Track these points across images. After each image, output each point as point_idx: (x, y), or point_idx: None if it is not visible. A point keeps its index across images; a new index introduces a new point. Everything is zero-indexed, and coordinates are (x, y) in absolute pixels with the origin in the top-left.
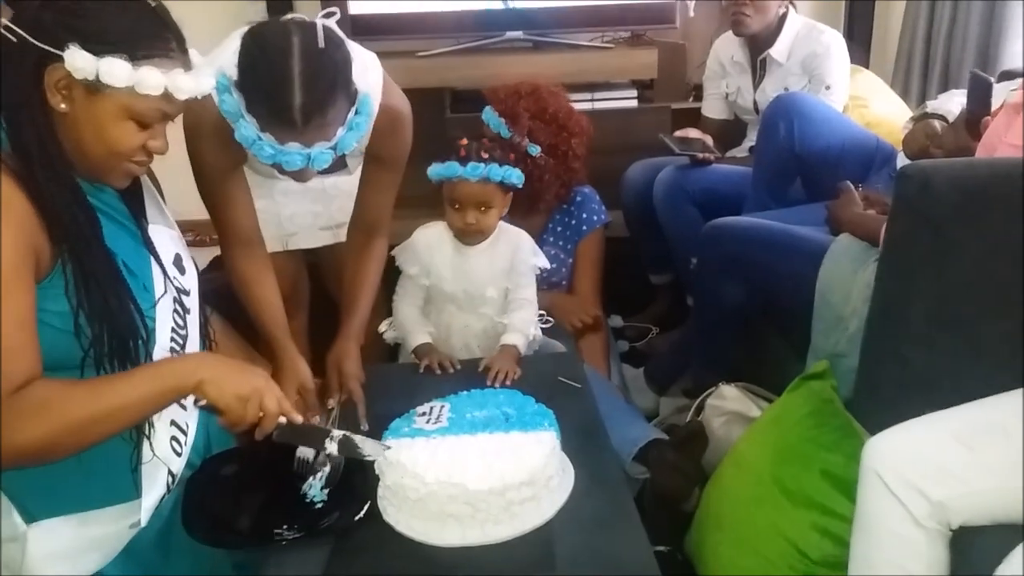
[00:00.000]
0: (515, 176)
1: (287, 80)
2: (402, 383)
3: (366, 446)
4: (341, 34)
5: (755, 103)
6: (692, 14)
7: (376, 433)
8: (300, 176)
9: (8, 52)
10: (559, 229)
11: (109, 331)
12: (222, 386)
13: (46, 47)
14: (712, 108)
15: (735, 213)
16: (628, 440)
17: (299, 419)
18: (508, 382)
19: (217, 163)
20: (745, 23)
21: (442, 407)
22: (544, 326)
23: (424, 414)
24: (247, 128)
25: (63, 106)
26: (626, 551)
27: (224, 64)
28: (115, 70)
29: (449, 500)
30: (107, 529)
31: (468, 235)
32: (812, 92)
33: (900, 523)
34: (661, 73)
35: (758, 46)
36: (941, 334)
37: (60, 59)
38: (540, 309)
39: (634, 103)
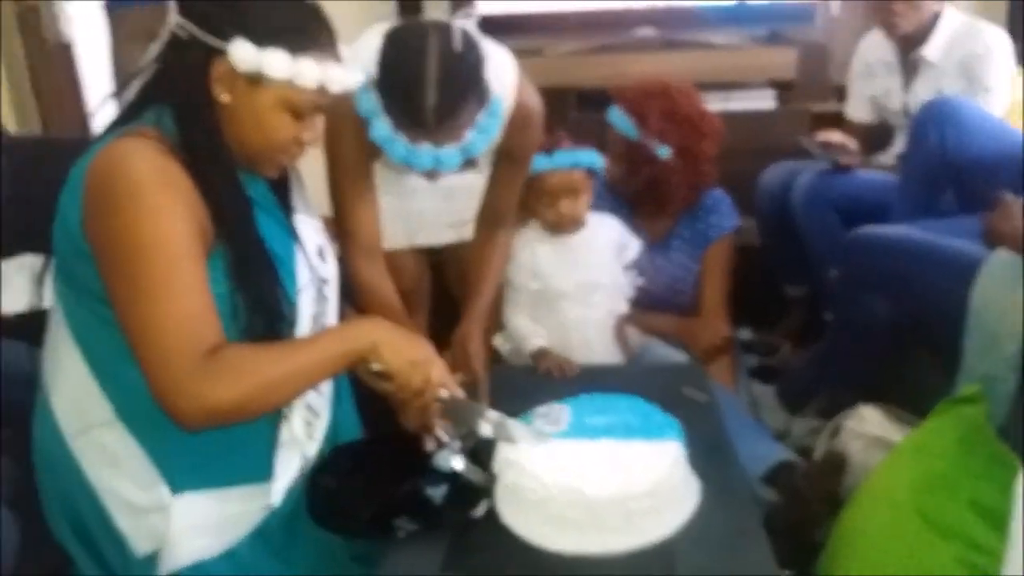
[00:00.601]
0: (598, 159)
1: (422, 82)
2: (521, 385)
3: (518, 431)
4: (477, 36)
5: (905, 106)
6: (835, 13)
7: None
8: (430, 174)
9: (178, 46)
10: (686, 235)
11: (261, 314)
12: (397, 349)
13: (213, 41)
14: (857, 111)
15: (879, 222)
16: (757, 458)
17: (461, 393)
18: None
19: (353, 159)
20: (896, 22)
21: (562, 410)
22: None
23: (544, 416)
24: (382, 127)
25: (226, 98)
26: (751, 573)
27: (364, 64)
28: (276, 62)
29: (568, 505)
30: (242, 507)
31: (563, 226)
32: (969, 96)
33: None
34: (801, 74)
35: (909, 45)
36: None
37: (225, 53)
38: (666, 335)
39: (771, 104)
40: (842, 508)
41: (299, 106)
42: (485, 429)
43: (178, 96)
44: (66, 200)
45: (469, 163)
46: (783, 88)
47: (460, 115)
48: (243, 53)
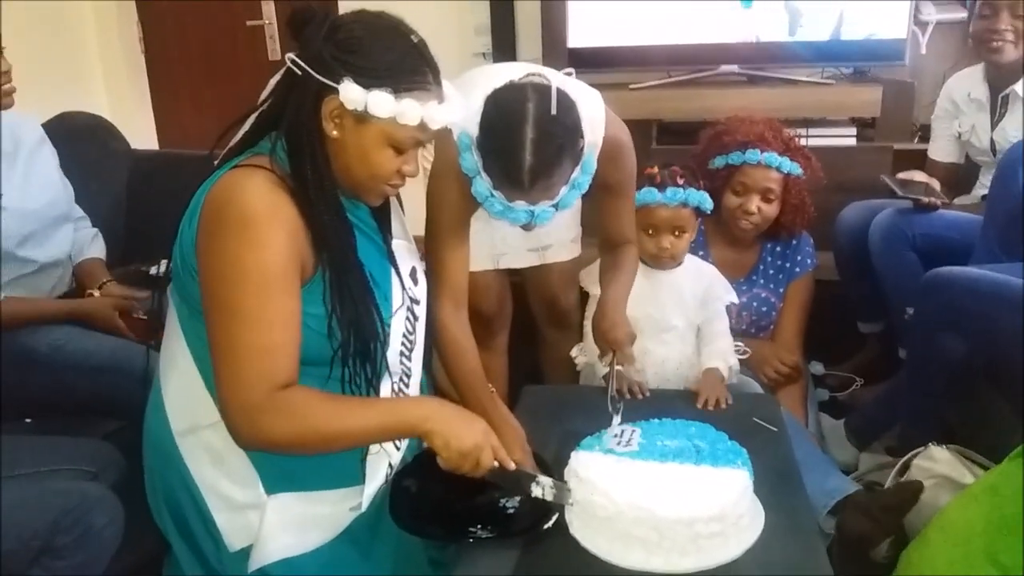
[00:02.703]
0: (708, 201)
1: (519, 145)
2: (594, 404)
3: (569, 495)
4: (571, 85)
5: (992, 143)
6: (924, 51)
7: (567, 450)
8: (525, 227)
9: (292, 82)
10: (771, 271)
11: (355, 334)
12: (448, 441)
13: (325, 80)
14: (940, 151)
15: (959, 263)
16: (824, 491)
17: (512, 467)
18: (723, 406)
19: (454, 209)
20: (1004, 49)
21: (633, 431)
22: (741, 357)
23: (616, 436)
24: (481, 185)
25: (335, 133)
26: None
27: (467, 124)
28: (381, 102)
29: (636, 523)
30: (331, 509)
31: (661, 260)
32: None
33: None
34: (885, 111)
35: (1002, 81)
36: None
37: (336, 91)
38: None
39: (852, 141)
40: (907, 544)
41: (401, 142)
42: (536, 491)
43: (291, 128)
44: (186, 222)
45: None
46: (865, 126)
47: (554, 176)
48: (351, 93)
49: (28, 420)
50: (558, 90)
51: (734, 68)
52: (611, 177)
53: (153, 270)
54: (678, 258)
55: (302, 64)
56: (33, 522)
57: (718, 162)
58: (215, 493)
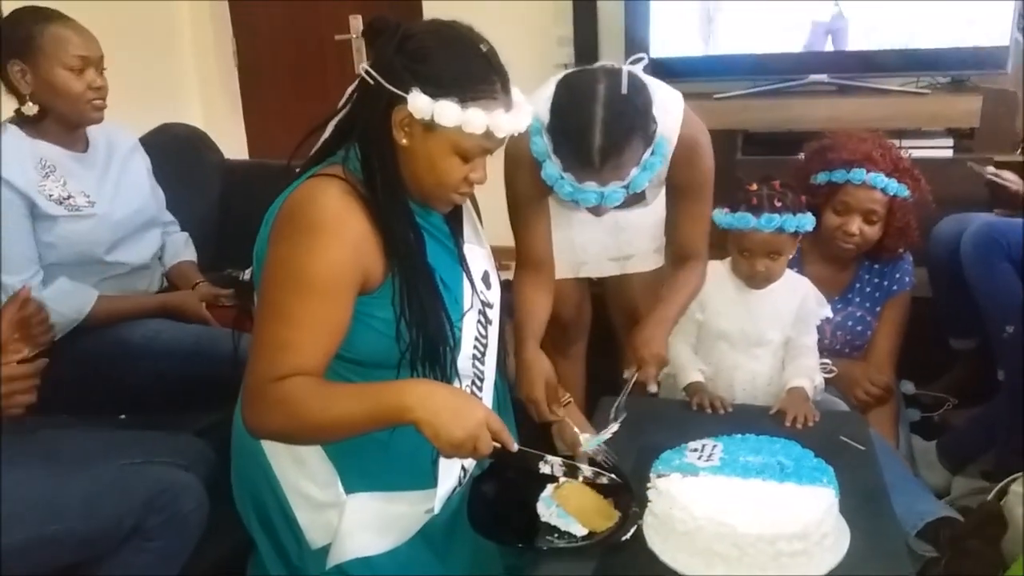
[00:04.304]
0: (808, 222)
1: (589, 125)
2: (673, 417)
3: (584, 469)
4: (645, 78)
5: None
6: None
7: (646, 463)
8: (596, 210)
9: (366, 91)
10: (867, 289)
11: (423, 338)
12: (437, 432)
13: (395, 90)
14: None
15: None
16: (914, 513)
17: (515, 448)
18: (809, 423)
19: (527, 193)
20: None
21: (715, 446)
22: (827, 375)
23: (696, 450)
24: (551, 168)
25: (404, 141)
26: None
27: (539, 110)
28: (447, 112)
29: (716, 538)
30: (406, 510)
31: (755, 282)
32: None
33: None
34: (985, 122)
35: None
36: None
37: (405, 100)
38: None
39: (949, 153)
40: (1005, 569)
41: (468, 150)
42: (545, 469)
43: (363, 137)
44: (263, 231)
45: (636, 197)
46: (963, 136)
47: (624, 156)
48: (419, 103)
49: (122, 416)
50: (629, 73)
51: (823, 78)
52: (685, 178)
53: (244, 275)
54: (773, 279)
55: (374, 74)
56: (127, 500)
57: (820, 178)
58: (297, 492)
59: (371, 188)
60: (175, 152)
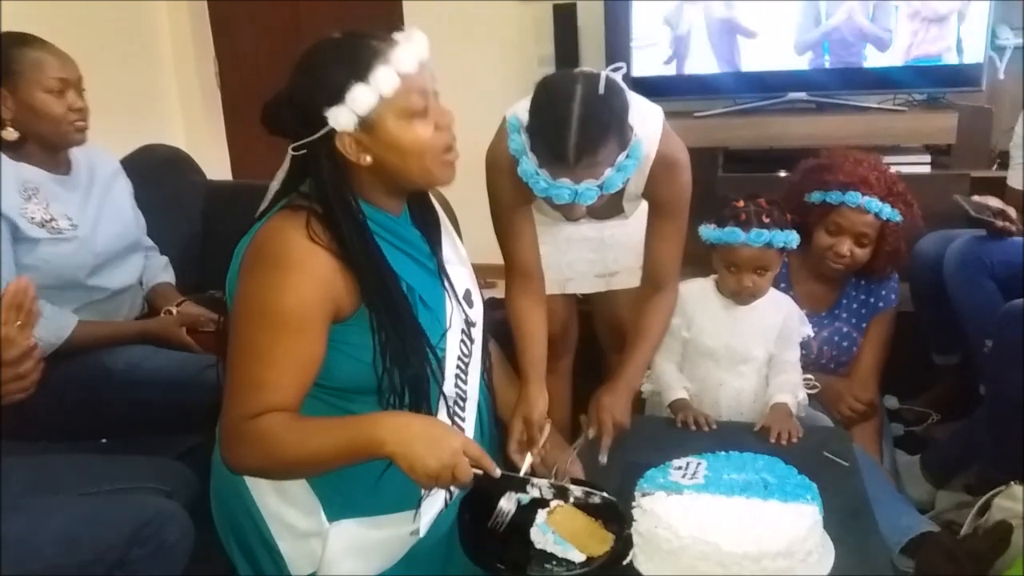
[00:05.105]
0: (794, 239)
1: (565, 121)
2: (658, 435)
3: (548, 490)
4: (623, 84)
5: None
6: (1002, 76)
7: (630, 481)
8: (570, 213)
9: (299, 161)
10: (854, 306)
11: (401, 367)
12: (412, 464)
13: (315, 133)
14: (1019, 178)
15: None
16: (897, 529)
17: (497, 474)
18: (795, 440)
19: (509, 199)
20: None
21: (699, 464)
22: (810, 391)
23: (680, 468)
24: (527, 164)
25: (368, 159)
26: None
27: (518, 110)
28: (358, 97)
29: (701, 557)
30: (391, 533)
31: (742, 298)
32: None
33: None
34: (961, 138)
35: None
36: None
37: (332, 130)
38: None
39: (927, 169)
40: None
41: (412, 104)
42: (534, 493)
43: (316, 184)
44: (233, 265)
45: (615, 208)
46: (940, 153)
47: (599, 153)
48: (336, 118)
49: (104, 440)
50: (607, 76)
51: (802, 95)
52: (663, 195)
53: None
54: (759, 295)
55: (298, 145)
56: (109, 534)
57: (815, 197)
58: (278, 521)
59: (333, 224)
60: (158, 173)
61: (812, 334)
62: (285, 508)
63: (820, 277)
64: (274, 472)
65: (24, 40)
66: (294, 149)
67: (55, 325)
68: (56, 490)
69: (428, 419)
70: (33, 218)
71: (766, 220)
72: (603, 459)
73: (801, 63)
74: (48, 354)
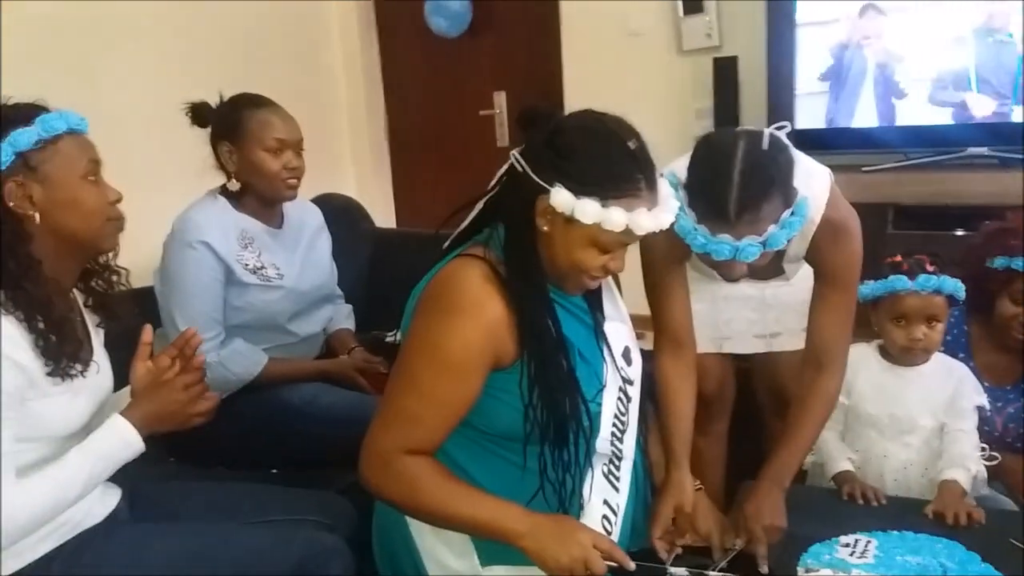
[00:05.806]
0: (962, 289)
1: (726, 176)
2: (822, 507)
3: None
4: (787, 142)
5: None
6: None
7: (791, 555)
8: (729, 272)
9: (513, 177)
10: None
11: (553, 420)
12: (544, 559)
13: (540, 181)
14: None
15: None
16: None
17: (631, 567)
18: (967, 522)
19: (662, 257)
20: None
21: (868, 542)
22: (988, 463)
23: (848, 545)
24: (685, 220)
25: (546, 228)
26: None
27: (676, 167)
28: (587, 209)
29: None
30: None
31: (912, 352)
32: None
33: None
34: None
35: None
36: None
37: (548, 192)
38: (996, 476)
39: None
40: None
41: (607, 244)
42: None
43: (508, 220)
44: (409, 304)
45: (775, 269)
46: None
47: (761, 208)
48: (561, 198)
49: (274, 471)
50: (771, 133)
51: (983, 150)
52: (828, 261)
53: (390, 337)
54: (932, 350)
55: (522, 162)
56: (278, 566)
57: (999, 263)
58: (434, 560)
59: (511, 271)
60: (332, 220)
61: (987, 405)
62: (441, 548)
63: (1004, 348)
64: (405, 510)
65: (256, 102)
66: (507, 172)
67: (248, 362)
68: (230, 515)
69: (560, 516)
70: (247, 265)
71: (931, 268)
72: (764, 569)
73: (982, 113)
74: (237, 388)
